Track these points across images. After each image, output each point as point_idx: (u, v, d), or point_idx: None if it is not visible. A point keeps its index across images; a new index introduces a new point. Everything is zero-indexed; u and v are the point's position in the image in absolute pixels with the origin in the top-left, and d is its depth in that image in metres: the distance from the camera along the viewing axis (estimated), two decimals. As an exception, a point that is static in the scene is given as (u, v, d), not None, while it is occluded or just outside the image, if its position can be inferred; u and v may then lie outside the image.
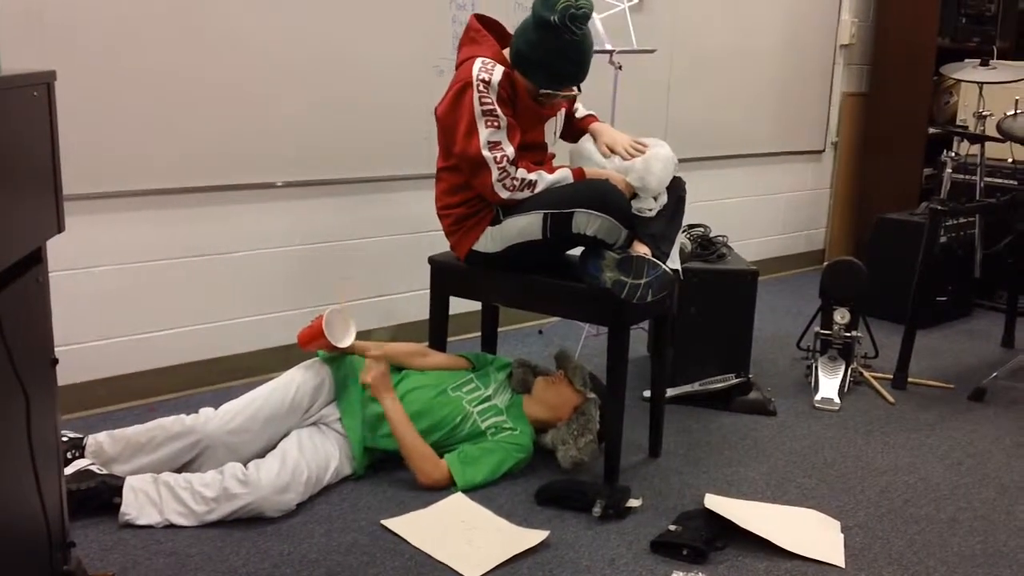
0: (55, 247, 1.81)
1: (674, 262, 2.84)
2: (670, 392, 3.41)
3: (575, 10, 2.62)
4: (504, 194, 2.74)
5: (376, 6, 3.62)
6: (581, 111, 3.09)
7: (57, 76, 1.74)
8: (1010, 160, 4.79)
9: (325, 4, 3.49)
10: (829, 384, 3.66)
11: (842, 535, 2.61)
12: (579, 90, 2.93)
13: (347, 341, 2.87)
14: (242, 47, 3.33)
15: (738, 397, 3.51)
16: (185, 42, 3.20)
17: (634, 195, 2.82)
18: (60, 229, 1.78)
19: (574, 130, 3.08)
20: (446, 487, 2.74)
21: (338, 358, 2.90)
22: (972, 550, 2.56)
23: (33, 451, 1.64)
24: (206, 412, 2.71)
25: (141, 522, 2.47)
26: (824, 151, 5.87)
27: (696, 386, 3.53)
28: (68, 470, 2.50)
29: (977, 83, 4.51)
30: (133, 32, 3.09)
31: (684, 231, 3.57)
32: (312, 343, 2.86)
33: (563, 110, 3.04)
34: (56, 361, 1.84)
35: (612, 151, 2.89)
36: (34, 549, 1.73)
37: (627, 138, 2.91)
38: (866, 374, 3.85)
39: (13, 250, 1.57)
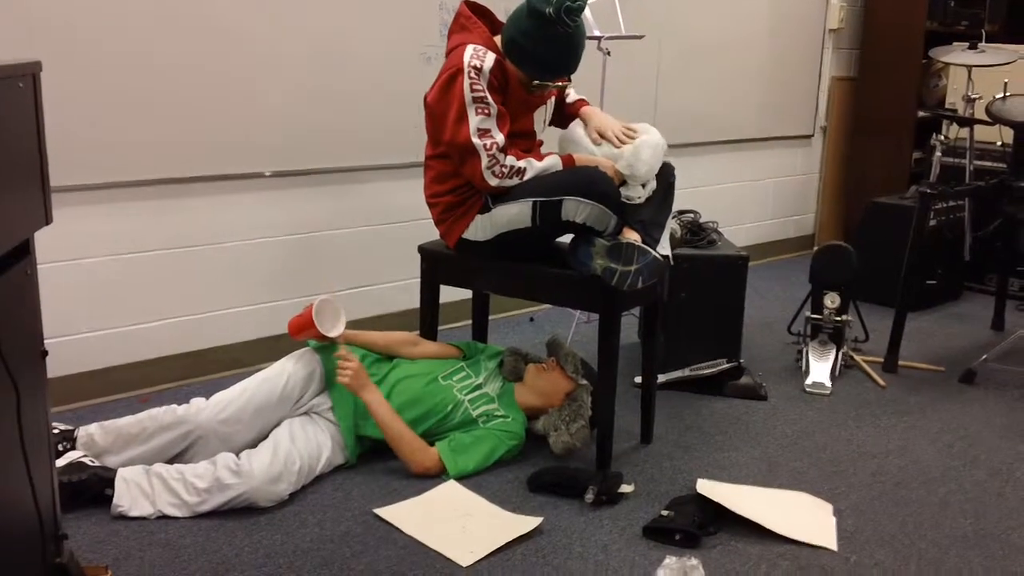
0: (43, 239, 1.80)
1: (664, 248, 2.84)
2: (661, 378, 3.42)
3: (571, 3, 2.61)
4: (493, 181, 2.73)
5: (363, -6, 3.61)
6: (572, 96, 3.09)
7: (43, 67, 1.72)
8: (999, 143, 4.80)
9: (312, -8, 3.48)
10: (820, 368, 3.68)
11: (834, 518, 2.62)
12: (569, 80, 2.93)
13: (337, 331, 2.86)
14: (229, 37, 3.31)
15: (729, 382, 3.52)
16: (172, 33, 3.18)
17: (623, 181, 2.82)
18: (48, 221, 1.77)
19: (564, 115, 3.08)
20: (438, 475, 2.75)
21: (329, 347, 2.90)
22: (963, 531, 2.58)
23: (24, 444, 1.63)
24: (197, 403, 2.70)
25: (134, 513, 2.47)
26: (813, 136, 5.88)
27: (687, 371, 3.54)
28: (60, 462, 2.49)
29: (966, 66, 4.52)
30: (120, 22, 3.07)
31: (674, 217, 3.57)
32: (302, 332, 2.85)
33: (553, 97, 3.04)
34: (46, 353, 1.83)
35: (602, 136, 2.89)
36: (26, 541, 1.73)
37: (617, 124, 2.91)
38: (857, 358, 3.86)
39: (1, 243, 1.56)
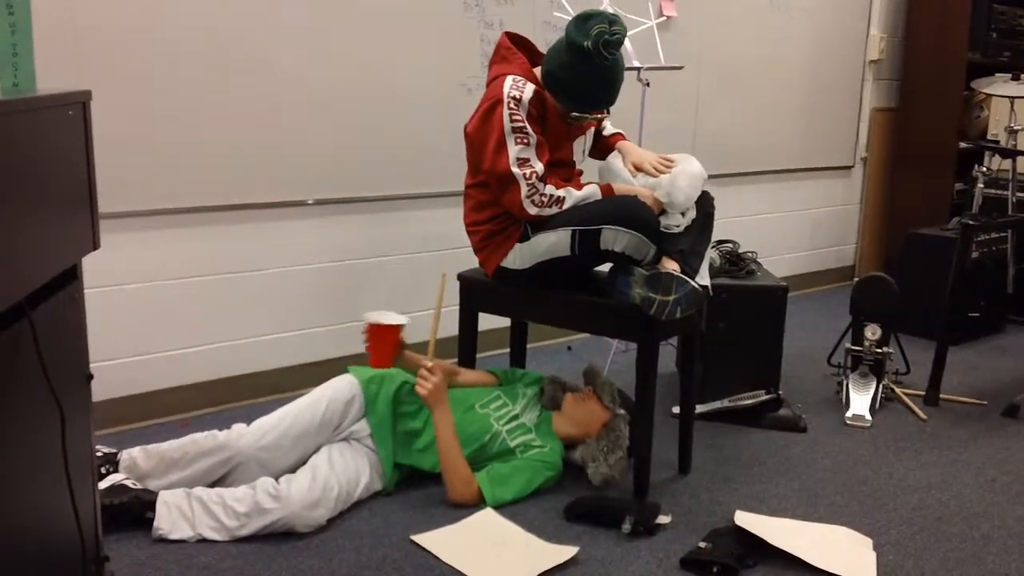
0: (90, 264, 1.84)
1: (703, 278, 2.83)
2: (699, 408, 3.40)
3: (609, 36, 2.64)
4: (533, 210, 2.75)
5: (404, 27, 3.66)
6: (608, 129, 3.11)
7: (93, 96, 1.77)
8: (1043, 174, 4.75)
9: (354, 26, 3.53)
10: (860, 401, 3.64)
11: (874, 553, 2.58)
12: (608, 112, 2.95)
13: (402, 320, 2.87)
14: (273, 68, 3.37)
15: (768, 414, 3.49)
16: (218, 64, 3.25)
17: (662, 211, 2.83)
18: (96, 246, 1.81)
19: (601, 147, 3.10)
20: (473, 505, 2.75)
21: (368, 374, 2.91)
22: (1007, 569, 2.53)
23: (68, 466, 1.66)
24: (238, 428, 2.73)
25: (174, 536, 2.49)
26: (854, 166, 5.85)
27: (726, 402, 3.51)
28: (102, 485, 2.52)
29: (1008, 97, 4.48)
30: (168, 53, 3.14)
31: (713, 247, 3.56)
32: (387, 350, 2.85)
33: (592, 128, 3.06)
34: (91, 377, 1.86)
35: (639, 170, 2.91)
36: (68, 563, 1.75)
37: (654, 156, 2.93)
38: (898, 391, 3.81)
39: (49, 267, 1.60)
